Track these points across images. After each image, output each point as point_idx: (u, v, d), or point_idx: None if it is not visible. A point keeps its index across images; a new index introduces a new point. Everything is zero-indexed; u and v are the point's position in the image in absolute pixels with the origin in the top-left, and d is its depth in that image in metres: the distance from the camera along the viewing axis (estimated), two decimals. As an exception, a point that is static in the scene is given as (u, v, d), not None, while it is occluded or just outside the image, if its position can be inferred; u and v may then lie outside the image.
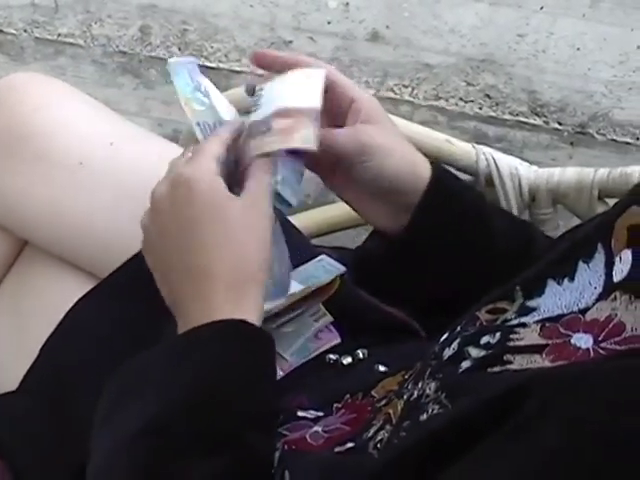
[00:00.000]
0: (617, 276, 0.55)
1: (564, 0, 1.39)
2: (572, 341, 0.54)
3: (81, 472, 0.64)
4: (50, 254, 0.86)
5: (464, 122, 1.45)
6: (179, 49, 1.48)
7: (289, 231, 0.78)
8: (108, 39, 1.49)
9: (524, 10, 1.40)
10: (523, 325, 0.56)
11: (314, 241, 1.00)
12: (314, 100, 0.71)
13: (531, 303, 0.58)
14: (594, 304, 0.55)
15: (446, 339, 0.61)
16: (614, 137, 1.44)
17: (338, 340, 0.78)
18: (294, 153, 0.70)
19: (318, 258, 0.80)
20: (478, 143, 1.06)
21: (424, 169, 0.77)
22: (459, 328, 0.60)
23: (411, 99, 1.45)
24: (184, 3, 1.46)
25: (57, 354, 0.82)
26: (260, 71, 0.79)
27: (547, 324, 0.56)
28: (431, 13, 1.41)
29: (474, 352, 0.57)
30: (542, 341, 0.54)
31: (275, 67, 0.76)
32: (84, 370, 0.80)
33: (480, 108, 1.45)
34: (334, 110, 0.76)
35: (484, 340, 0.57)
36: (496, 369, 0.54)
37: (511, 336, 0.56)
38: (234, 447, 0.60)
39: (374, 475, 0.54)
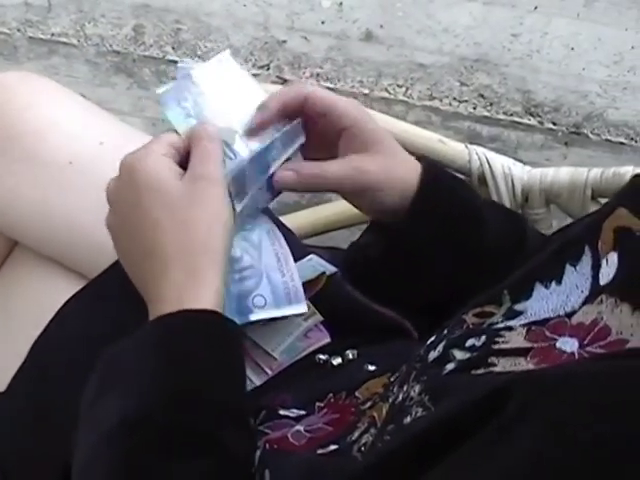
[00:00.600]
0: (603, 279, 0.55)
1: (558, 0, 1.39)
2: (557, 345, 0.53)
3: (67, 472, 0.63)
4: (39, 254, 0.85)
5: (458, 122, 1.45)
6: (173, 48, 1.48)
7: (280, 230, 0.78)
8: (101, 38, 1.49)
9: (518, 10, 1.40)
10: (509, 328, 0.56)
11: (308, 241, 1.00)
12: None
13: (518, 306, 0.58)
14: (580, 307, 0.55)
15: (432, 342, 0.60)
16: (608, 137, 1.43)
17: (328, 339, 0.77)
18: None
19: (307, 257, 0.80)
20: (472, 143, 1.06)
21: (415, 176, 0.76)
22: (445, 331, 0.60)
23: (405, 99, 1.45)
24: (177, 2, 1.46)
25: (45, 355, 0.81)
26: None
27: (533, 327, 0.55)
28: (425, 13, 1.41)
29: (459, 354, 0.56)
30: (527, 344, 0.54)
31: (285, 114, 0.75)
32: (72, 371, 0.80)
33: (474, 108, 1.45)
34: (328, 137, 0.75)
35: (469, 343, 0.57)
36: (480, 371, 0.54)
37: (496, 339, 0.55)
38: (208, 440, 0.59)
39: (355, 478, 0.53)
